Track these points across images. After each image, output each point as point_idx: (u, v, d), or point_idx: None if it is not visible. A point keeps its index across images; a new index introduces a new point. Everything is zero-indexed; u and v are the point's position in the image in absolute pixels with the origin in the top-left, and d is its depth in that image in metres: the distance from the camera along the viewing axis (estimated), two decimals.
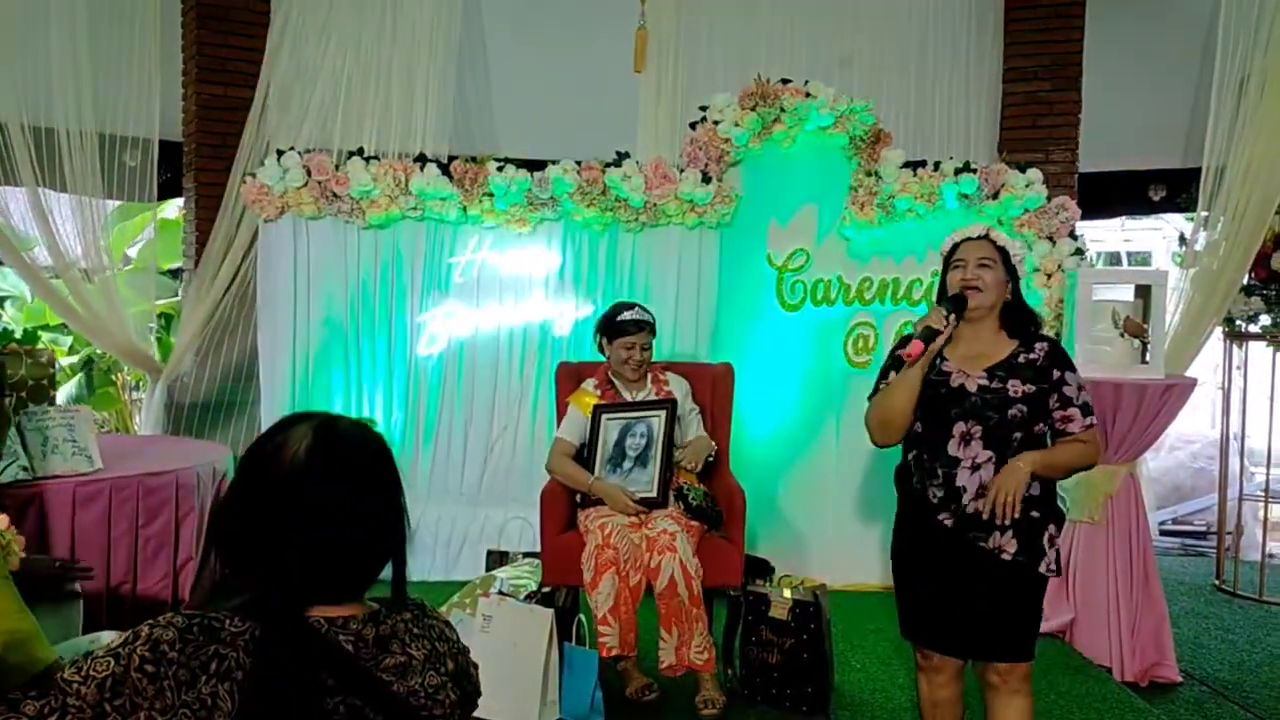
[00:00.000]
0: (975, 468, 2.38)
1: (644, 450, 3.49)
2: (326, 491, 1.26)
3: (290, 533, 1.24)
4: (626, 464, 3.50)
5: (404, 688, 1.27)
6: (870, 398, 2.58)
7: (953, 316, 2.42)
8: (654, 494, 3.42)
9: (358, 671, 1.24)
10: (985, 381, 2.41)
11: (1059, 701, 3.45)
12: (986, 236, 2.54)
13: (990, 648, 2.43)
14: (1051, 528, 2.41)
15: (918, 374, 2.43)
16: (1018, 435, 2.38)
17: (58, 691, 1.11)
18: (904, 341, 2.52)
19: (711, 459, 3.65)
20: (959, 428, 2.40)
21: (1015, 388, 2.38)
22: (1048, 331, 3.14)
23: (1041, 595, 2.46)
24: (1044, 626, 2.75)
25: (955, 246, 2.56)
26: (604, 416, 3.55)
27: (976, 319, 2.48)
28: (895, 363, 2.54)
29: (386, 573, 1.35)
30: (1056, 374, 2.42)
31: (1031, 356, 2.44)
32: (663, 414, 3.52)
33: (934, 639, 2.50)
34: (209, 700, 1.12)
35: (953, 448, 2.40)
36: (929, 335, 2.40)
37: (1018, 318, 2.52)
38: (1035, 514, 2.39)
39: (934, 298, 2.63)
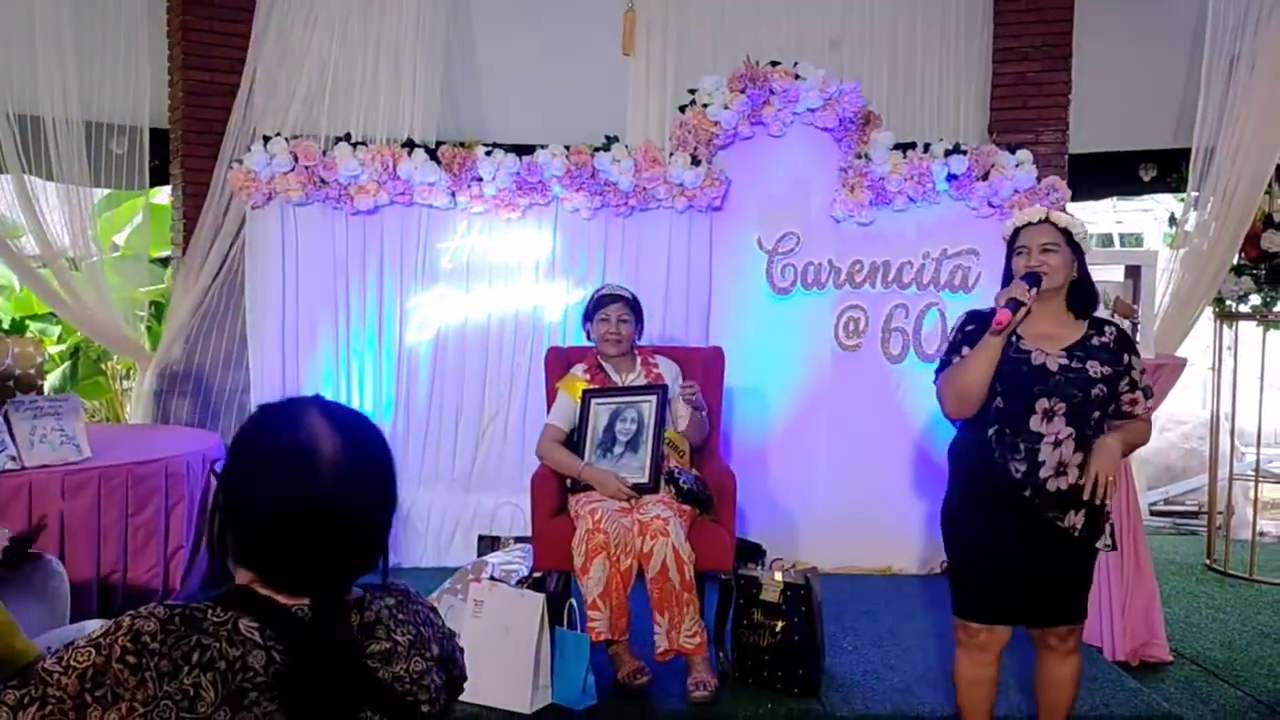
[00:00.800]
0: (1057, 444, 2.47)
1: (635, 435, 3.48)
2: (352, 491, 1.25)
3: (317, 528, 1.22)
4: (617, 449, 3.49)
5: (389, 674, 1.26)
6: (938, 372, 2.63)
7: (1034, 291, 2.48)
8: (645, 480, 3.41)
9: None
10: (1065, 361, 2.49)
11: None
12: (1047, 220, 2.56)
13: (1058, 615, 2.56)
14: (1109, 505, 2.54)
15: (999, 344, 2.49)
16: (1096, 414, 2.49)
17: (38, 681, 1.10)
18: (971, 318, 2.61)
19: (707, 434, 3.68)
20: (1042, 404, 2.47)
21: (1095, 368, 2.49)
22: None
23: (1095, 563, 2.60)
24: None
25: (1017, 232, 2.60)
26: (593, 401, 3.55)
27: (1045, 299, 2.54)
28: (966, 338, 2.58)
29: None
30: (1126, 358, 2.54)
31: (1104, 340, 2.55)
32: (653, 399, 3.51)
33: (998, 611, 2.56)
34: (191, 691, 1.12)
35: (1035, 423, 2.48)
36: (1015, 305, 2.45)
37: (1082, 297, 2.58)
38: None
39: (999, 284, 2.66)
